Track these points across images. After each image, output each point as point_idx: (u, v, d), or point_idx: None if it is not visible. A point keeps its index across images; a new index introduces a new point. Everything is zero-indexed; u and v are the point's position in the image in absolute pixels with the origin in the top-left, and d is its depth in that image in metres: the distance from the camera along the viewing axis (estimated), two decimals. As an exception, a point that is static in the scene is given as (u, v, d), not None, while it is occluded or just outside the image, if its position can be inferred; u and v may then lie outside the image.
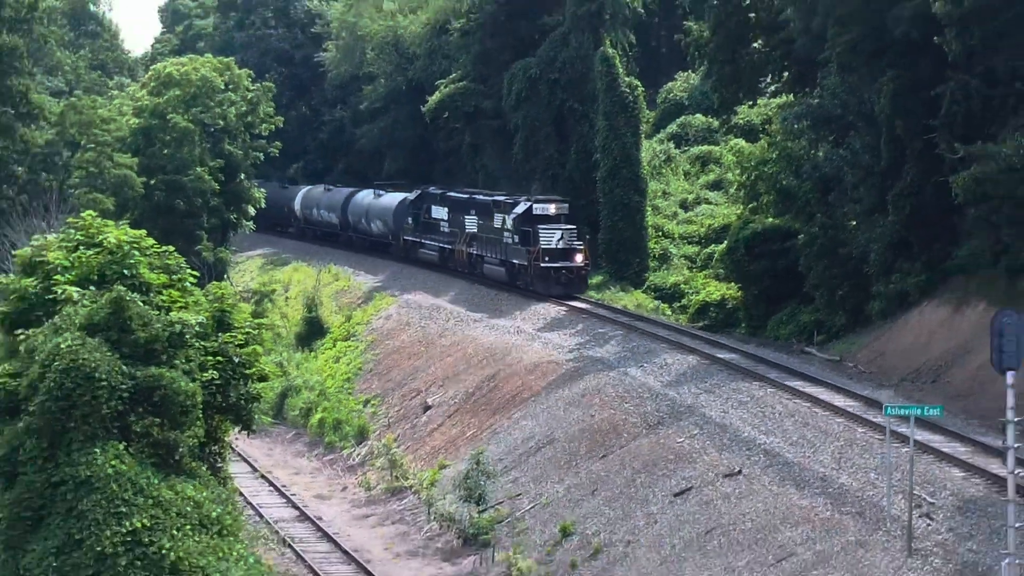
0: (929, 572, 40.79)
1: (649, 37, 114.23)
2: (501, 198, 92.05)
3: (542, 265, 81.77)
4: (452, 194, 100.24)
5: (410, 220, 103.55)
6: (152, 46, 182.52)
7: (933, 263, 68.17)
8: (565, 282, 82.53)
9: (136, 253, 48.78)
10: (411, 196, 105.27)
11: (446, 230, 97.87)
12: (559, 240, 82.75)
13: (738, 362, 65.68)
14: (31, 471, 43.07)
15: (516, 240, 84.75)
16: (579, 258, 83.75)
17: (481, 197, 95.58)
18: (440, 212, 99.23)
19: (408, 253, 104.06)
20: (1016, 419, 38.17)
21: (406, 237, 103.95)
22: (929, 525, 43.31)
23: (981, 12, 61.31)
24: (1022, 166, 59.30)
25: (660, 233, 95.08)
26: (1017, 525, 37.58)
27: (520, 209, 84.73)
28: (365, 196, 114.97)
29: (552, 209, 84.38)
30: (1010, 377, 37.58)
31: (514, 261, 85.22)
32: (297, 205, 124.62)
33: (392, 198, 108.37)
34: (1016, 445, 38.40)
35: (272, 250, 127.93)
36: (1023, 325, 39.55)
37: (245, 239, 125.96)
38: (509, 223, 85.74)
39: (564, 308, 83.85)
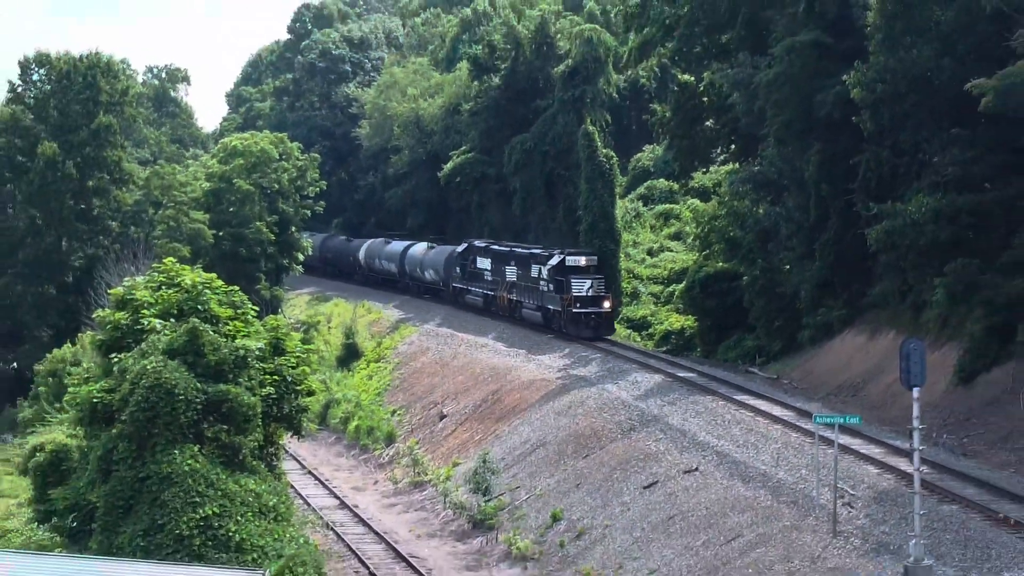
0: (850, 550, 40.77)
1: (622, 116, 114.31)
2: (538, 251, 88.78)
3: (574, 310, 78.56)
4: (494, 247, 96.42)
5: (458, 270, 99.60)
6: (220, 124, 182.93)
7: (852, 300, 68.32)
8: (594, 325, 78.82)
9: (207, 292, 48.95)
10: (459, 249, 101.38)
11: (489, 278, 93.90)
12: (589, 288, 79.39)
13: (695, 380, 65.63)
14: (123, 468, 43.12)
15: (551, 288, 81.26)
16: (606, 304, 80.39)
17: (520, 250, 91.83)
18: (484, 263, 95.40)
19: (456, 298, 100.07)
20: (920, 426, 38.21)
21: (455, 284, 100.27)
22: (850, 512, 43.34)
23: (889, 98, 61.45)
24: (923, 222, 59.35)
25: (631, 275, 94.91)
26: (921, 512, 37.57)
27: (554, 261, 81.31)
28: (419, 248, 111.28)
29: (583, 261, 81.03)
30: (915, 392, 37.65)
31: (549, 307, 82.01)
32: (361, 256, 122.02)
33: (442, 250, 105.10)
34: (920, 447, 38.43)
35: (317, 289, 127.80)
36: (924, 350, 39.67)
37: (294, 280, 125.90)
38: (545, 273, 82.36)
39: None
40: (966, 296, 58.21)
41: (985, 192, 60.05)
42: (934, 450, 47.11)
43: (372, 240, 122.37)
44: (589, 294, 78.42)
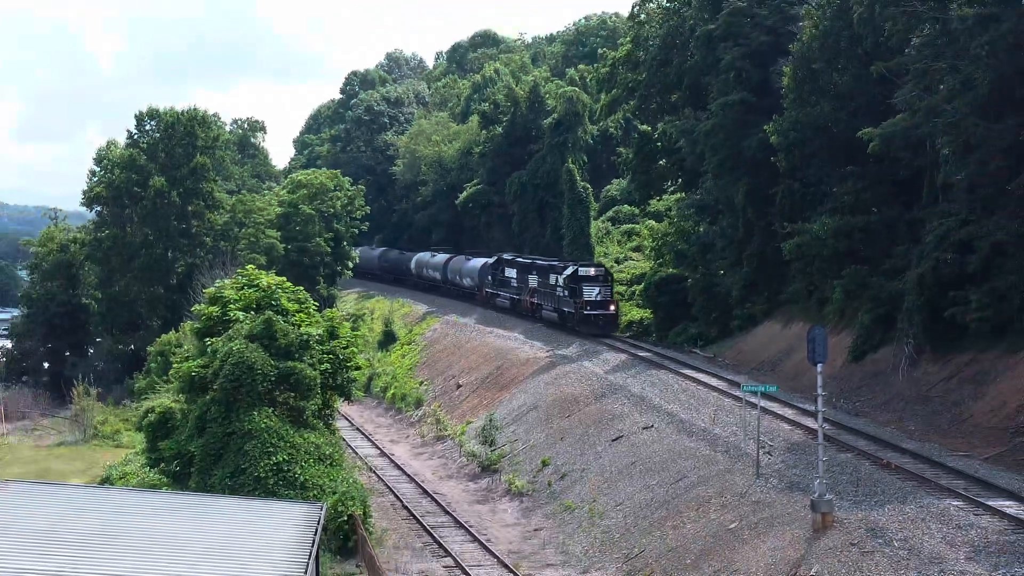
0: (769, 488, 40.73)
1: (595, 157, 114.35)
2: (556, 263, 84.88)
3: (584, 312, 74.94)
4: (519, 259, 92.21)
5: (490, 278, 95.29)
6: (288, 163, 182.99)
7: (771, 297, 68.30)
8: (602, 324, 75.16)
9: (279, 291, 49.25)
10: (491, 260, 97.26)
11: (515, 285, 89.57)
12: (597, 294, 75.71)
13: (651, 358, 65.44)
14: (214, 426, 43.32)
15: (566, 294, 77.25)
16: (612, 307, 76.43)
17: (541, 262, 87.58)
18: (511, 272, 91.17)
19: (488, 301, 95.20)
20: (822, 393, 38.13)
21: (487, 290, 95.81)
22: (769, 459, 43.32)
23: (799, 143, 61.50)
24: (825, 237, 59.39)
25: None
26: (824, 459, 37.50)
27: (569, 271, 77.66)
28: (458, 259, 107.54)
29: (592, 272, 77.35)
30: (819, 367, 37.57)
31: (564, 309, 77.78)
32: (412, 266, 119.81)
33: (477, 261, 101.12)
34: (822, 409, 38.37)
35: (364, 289, 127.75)
36: (826, 336, 39.60)
37: (347, 282, 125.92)
38: (561, 281, 78.62)
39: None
40: (857, 294, 58.28)
41: (872, 215, 60.10)
42: (833, 411, 47.07)
43: (421, 253, 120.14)
44: (597, 299, 75.49)
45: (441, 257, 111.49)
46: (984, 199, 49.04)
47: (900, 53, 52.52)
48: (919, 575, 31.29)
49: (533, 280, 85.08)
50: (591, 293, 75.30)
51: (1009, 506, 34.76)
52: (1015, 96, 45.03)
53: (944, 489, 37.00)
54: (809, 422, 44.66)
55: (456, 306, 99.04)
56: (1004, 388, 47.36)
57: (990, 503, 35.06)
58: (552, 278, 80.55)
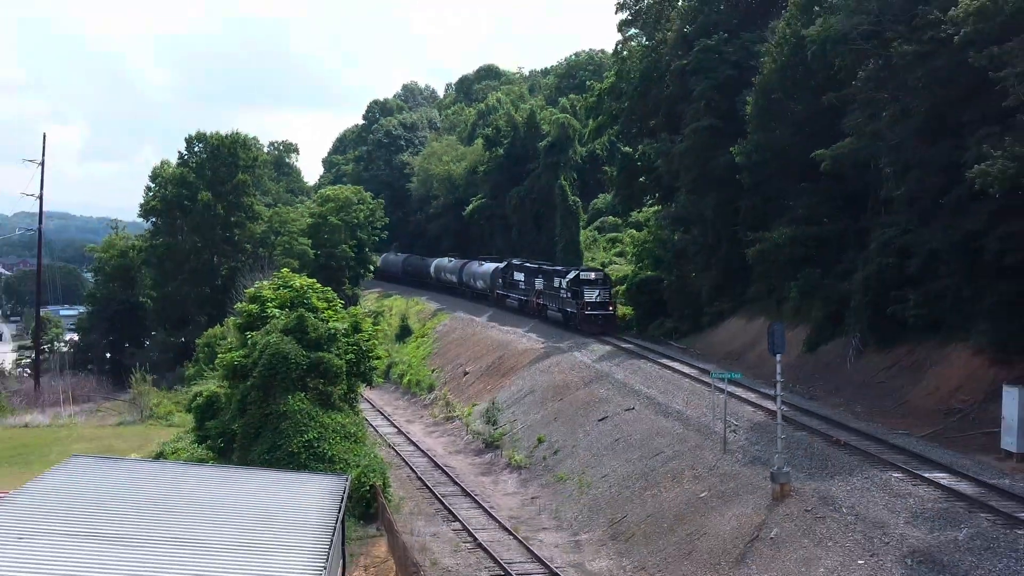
0: (735, 462, 40.83)
1: (585, 175, 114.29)
2: (560, 268, 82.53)
3: (586, 312, 72.63)
4: (527, 264, 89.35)
5: (500, 280, 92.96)
6: (318, 179, 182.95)
7: (736, 296, 68.28)
8: (602, 323, 72.51)
9: (310, 291, 49.31)
10: (501, 265, 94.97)
11: (523, 287, 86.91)
12: (597, 296, 73.23)
13: (632, 349, 65.47)
14: (254, 408, 43.37)
15: (569, 296, 74.76)
16: (611, 308, 74.09)
17: (546, 267, 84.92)
18: (519, 276, 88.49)
19: (499, 302, 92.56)
20: (781, 380, 38.23)
21: (498, 291, 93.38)
22: (735, 436, 43.41)
23: (761, 163, 61.53)
24: (783, 245, 59.45)
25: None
26: (782, 436, 37.62)
27: (572, 275, 75.42)
28: (472, 264, 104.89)
29: (593, 276, 75.08)
30: (778, 357, 37.64)
31: (568, 310, 75.38)
32: (432, 269, 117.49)
33: (489, 265, 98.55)
34: (781, 394, 38.47)
35: (382, 288, 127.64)
36: (784, 330, 39.68)
37: (368, 283, 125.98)
38: (564, 284, 76.12)
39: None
40: (811, 294, 58.31)
41: (824, 225, 60.10)
42: (790, 396, 47.16)
43: (440, 259, 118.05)
44: (598, 300, 73.06)
45: (457, 262, 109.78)
46: (921, 212, 49.11)
47: (848, 85, 52.56)
48: (864, 537, 31.42)
49: (539, 283, 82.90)
50: (592, 295, 73.12)
51: (943, 477, 34.89)
52: (948, 122, 45.09)
53: (886, 463, 37.11)
54: (769, 405, 44.74)
55: (467, 305, 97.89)
56: (938, 375, 47.50)
57: (926, 475, 35.17)
58: (556, 281, 78.38)
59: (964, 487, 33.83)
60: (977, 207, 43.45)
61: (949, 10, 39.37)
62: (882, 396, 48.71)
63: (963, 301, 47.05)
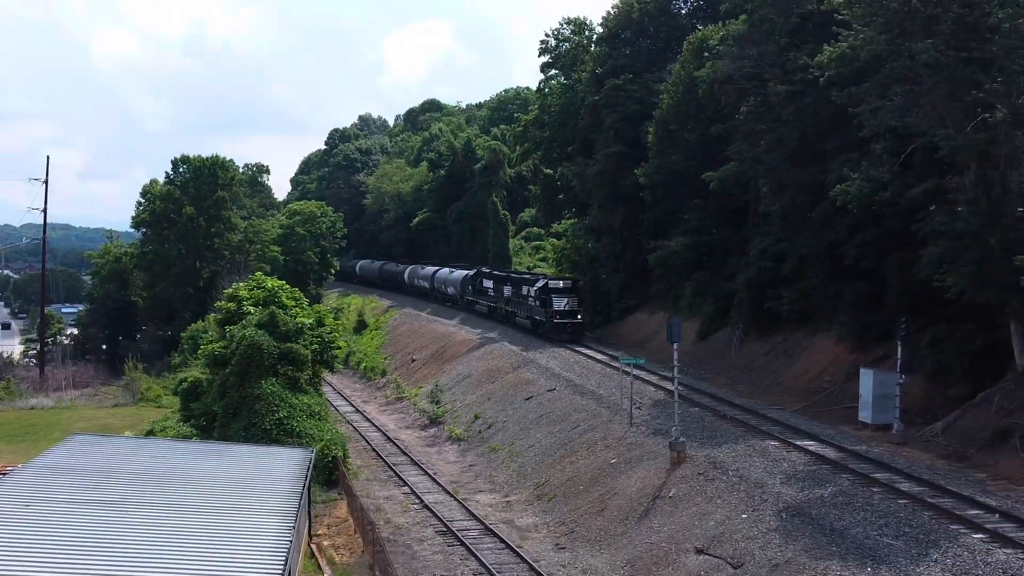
0: (639, 433, 41.02)
1: (514, 192, 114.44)
2: (527, 276, 75.08)
3: (555, 321, 63.61)
4: (495, 272, 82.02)
5: (470, 287, 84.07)
6: (287, 196, 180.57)
7: (640, 294, 68.70)
8: (570, 331, 63.39)
9: (280, 291, 48.71)
10: (471, 272, 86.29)
11: (492, 294, 78.58)
12: (566, 304, 63.87)
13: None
14: (232, 391, 42.79)
15: (538, 304, 66.22)
16: (579, 317, 64.42)
17: (515, 275, 77.21)
18: (488, 283, 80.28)
19: (468, 307, 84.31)
20: (677, 364, 38.52)
21: (467, 297, 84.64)
22: (639, 412, 43.59)
23: (660, 183, 62.04)
24: (679, 251, 60.01)
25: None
26: (679, 412, 37.89)
27: (540, 284, 67.10)
28: (444, 271, 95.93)
29: (561, 284, 66.07)
30: (675, 346, 37.94)
31: (536, 317, 66.75)
32: (406, 276, 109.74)
33: (459, 273, 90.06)
34: (678, 376, 38.76)
35: (343, 289, 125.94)
36: (680, 322, 39.98)
37: (330, 284, 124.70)
38: (532, 292, 67.67)
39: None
40: (703, 292, 58.89)
41: (713, 235, 60.73)
42: (685, 377, 47.45)
43: (413, 265, 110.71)
44: (567, 308, 64.15)
45: (430, 269, 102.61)
46: (792, 224, 49.77)
47: (732, 118, 53.10)
48: (747, 495, 31.76)
49: (507, 290, 74.97)
50: (561, 303, 64.57)
51: (811, 445, 35.39)
52: (815, 149, 45.72)
53: (765, 433, 37.57)
54: (668, 385, 44.99)
55: (442, 311, 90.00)
56: (807, 359, 48.23)
57: (798, 443, 35.66)
58: (525, 289, 70.21)
59: (829, 452, 34.36)
60: (838, 220, 44.17)
61: (815, 56, 39.94)
62: (761, 377, 49.33)
63: (827, 298, 47.84)
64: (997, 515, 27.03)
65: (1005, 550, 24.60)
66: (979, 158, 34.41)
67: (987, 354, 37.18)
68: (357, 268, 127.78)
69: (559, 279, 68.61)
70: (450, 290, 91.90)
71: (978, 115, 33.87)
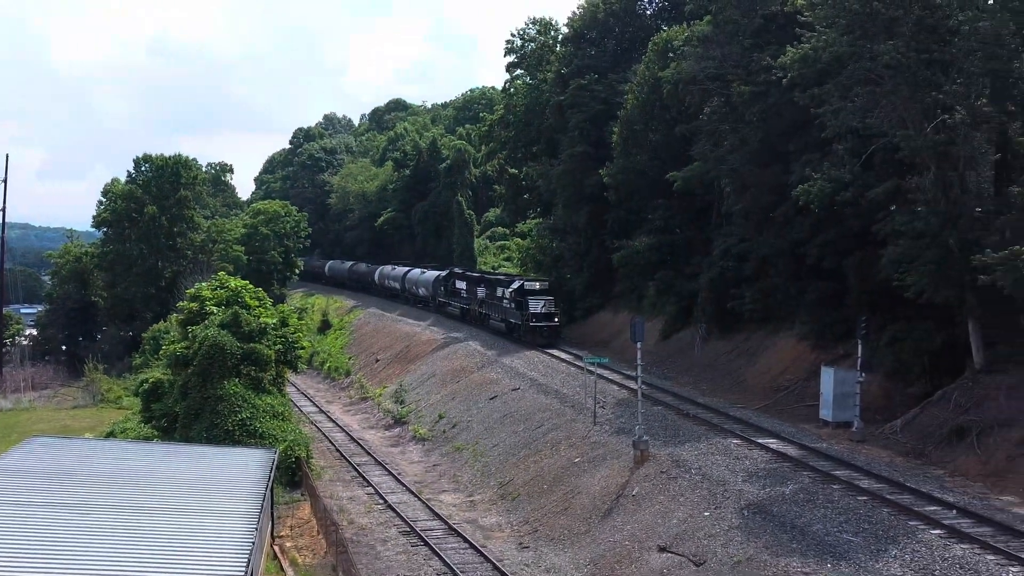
0: (603, 432, 41.14)
1: (479, 192, 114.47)
2: (502, 277, 71.32)
3: (531, 324, 60.83)
4: (468, 273, 78.76)
5: (442, 288, 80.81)
6: (251, 195, 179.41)
7: (604, 293, 68.77)
8: (547, 335, 60.67)
9: (244, 291, 48.27)
10: (443, 273, 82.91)
11: (465, 296, 75.46)
12: (542, 307, 61.09)
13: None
14: (194, 392, 42.41)
15: (513, 306, 63.32)
16: (556, 320, 61.66)
17: (489, 276, 74.31)
18: (461, 284, 77.06)
19: (440, 309, 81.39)
20: (641, 363, 38.66)
21: (440, 299, 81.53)
22: (603, 411, 43.74)
23: (624, 183, 62.22)
24: (643, 251, 60.19)
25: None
26: (642, 411, 38.04)
27: (515, 285, 64.15)
28: (415, 272, 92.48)
29: (537, 286, 63.41)
30: (639, 345, 38.07)
31: (511, 320, 63.86)
32: (376, 277, 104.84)
33: (431, 273, 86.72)
34: (641, 375, 38.90)
35: (307, 288, 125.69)
36: (644, 322, 40.17)
37: (295, 284, 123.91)
38: (507, 294, 64.64)
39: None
40: (666, 291, 59.13)
41: (676, 234, 61.02)
42: (649, 376, 47.66)
43: (384, 266, 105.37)
44: (542, 311, 61.33)
45: (400, 269, 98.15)
46: (755, 224, 50.11)
47: (696, 118, 53.45)
48: (710, 493, 31.96)
49: (481, 292, 71.90)
50: (537, 306, 61.80)
51: (773, 442, 35.68)
52: (778, 150, 46.08)
53: (727, 431, 37.81)
54: (631, 384, 45.12)
55: (415, 313, 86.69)
56: (768, 358, 48.59)
57: (759, 441, 35.94)
58: (499, 291, 67.12)
59: (790, 450, 34.65)
60: (801, 220, 44.55)
61: (778, 58, 40.27)
62: (724, 376, 49.63)
63: (789, 297, 48.22)
64: (954, 511, 27.39)
65: (962, 545, 24.95)
66: (938, 159, 34.87)
67: (945, 352, 37.67)
68: (326, 268, 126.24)
69: (535, 281, 65.91)
70: (421, 291, 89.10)
71: (938, 116, 34.36)
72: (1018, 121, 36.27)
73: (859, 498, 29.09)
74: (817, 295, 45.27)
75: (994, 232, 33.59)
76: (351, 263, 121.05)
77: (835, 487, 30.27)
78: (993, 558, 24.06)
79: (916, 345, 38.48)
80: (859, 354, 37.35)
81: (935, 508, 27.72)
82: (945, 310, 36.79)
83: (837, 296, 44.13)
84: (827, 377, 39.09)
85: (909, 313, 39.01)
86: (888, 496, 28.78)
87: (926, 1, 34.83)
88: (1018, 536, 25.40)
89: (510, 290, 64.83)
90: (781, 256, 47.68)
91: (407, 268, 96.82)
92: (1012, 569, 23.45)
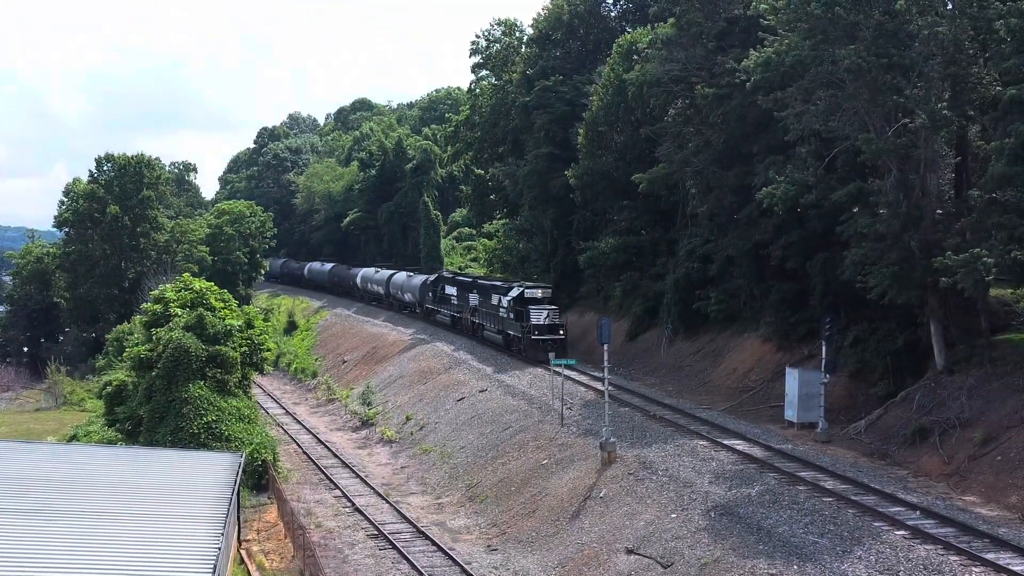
0: (570, 434, 41.11)
1: (445, 193, 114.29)
2: (499, 283, 62.40)
3: (533, 337, 54.17)
4: (459, 277, 71.43)
5: (430, 294, 74.13)
6: (215, 195, 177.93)
7: (571, 294, 68.62)
8: (551, 349, 51.66)
9: (208, 292, 47.80)
10: (431, 278, 76.45)
11: (455, 303, 68.51)
12: (546, 318, 54.38)
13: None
14: (158, 395, 41.96)
15: (512, 316, 56.44)
16: (561, 332, 54.41)
17: (482, 281, 66.07)
18: (451, 290, 70.05)
19: (428, 316, 74.71)
20: (608, 365, 38.69)
21: (427, 305, 74.84)
22: (570, 413, 43.70)
23: (590, 184, 62.25)
24: (608, 252, 60.24)
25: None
26: (609, 412, 38.06)
27: (514, 293, 56.65)
28: (400, 275, 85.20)
29: (539, 293, 56.30)
30: (605, 346, 38.16)
31: (509, 332, 57.33)
32: (358, 280, 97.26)
33: (418, 278, 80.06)
34: (608, 376, 38.93)
35: (273, 289, 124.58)
36: (610, 323, 40.19)
37: (261, 284, 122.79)
38: (505, 302, 57.53)
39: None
40: (632, 293, 59.31)
41: (642, 236, 61.22)
42: (615, 378, 47.70)
43: (366, 269, 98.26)
44: (546, 323, 54.55)
45: (384, 273, 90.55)
46: (719, 225, 50.36)
47: (661, 120, 53.63)
48: (677, 495, 32.02)
49: (474, 299, 64.58)
50: (539, 316, 54.90)
51: (739, 444, 35.82)
52: (741, 152, 46.30)
53: (693, 432, 37.92)
54: (598, 386, 45.17)
55: (400, 319, 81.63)
56: (734, 359, 48.82)
57: (725, 442, 36.06)
58: (495, 298, 59.83)
59: (756, 451, 34.80)
60: (764, 222, 44.78)
61: (742, 61, 40.45)
62: (690, 377, 49.82)
63: (753, 298, 48.50)
64: (918, 512, 27.62)
65: (926, 546, 25.14)
66: (899, 162, 35.18)
67: (908, 353, 38.01)
68: (306, 271, 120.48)
69: (537, 288, 57.90)
70: (407, 297, 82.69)
71: (899, 120, 34.67)
72: (977, 125, 36.75)
73: (824, 499, 29.26)
74: (781, 296, 45.55)
75: (954, 234, 33.96)
76: (331, 265, 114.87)
77: (800, 488, 30.42)
78: (956, 559, 24.27)
79: (879, 346, 38.81)
80: (823, 355, 37.59)
81: (899, 509, 27.91)
82: (907, 311, 37.13)
83: (801, 297, 44.43)
84: (792, 378, 39.30)
85: (872, 314, 39.34)
86: (853, 497, 28.96)
87: (886, 6, 35.16)
88: (980, 536, 25.65)
89: (508, 298, 57.77)
90: (745, 257, 47.91)
91: (392, 271, 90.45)
92: (975, 570, 23.67)
